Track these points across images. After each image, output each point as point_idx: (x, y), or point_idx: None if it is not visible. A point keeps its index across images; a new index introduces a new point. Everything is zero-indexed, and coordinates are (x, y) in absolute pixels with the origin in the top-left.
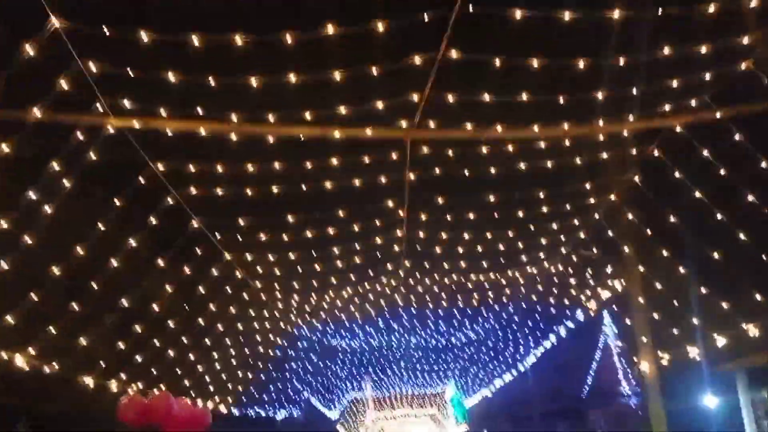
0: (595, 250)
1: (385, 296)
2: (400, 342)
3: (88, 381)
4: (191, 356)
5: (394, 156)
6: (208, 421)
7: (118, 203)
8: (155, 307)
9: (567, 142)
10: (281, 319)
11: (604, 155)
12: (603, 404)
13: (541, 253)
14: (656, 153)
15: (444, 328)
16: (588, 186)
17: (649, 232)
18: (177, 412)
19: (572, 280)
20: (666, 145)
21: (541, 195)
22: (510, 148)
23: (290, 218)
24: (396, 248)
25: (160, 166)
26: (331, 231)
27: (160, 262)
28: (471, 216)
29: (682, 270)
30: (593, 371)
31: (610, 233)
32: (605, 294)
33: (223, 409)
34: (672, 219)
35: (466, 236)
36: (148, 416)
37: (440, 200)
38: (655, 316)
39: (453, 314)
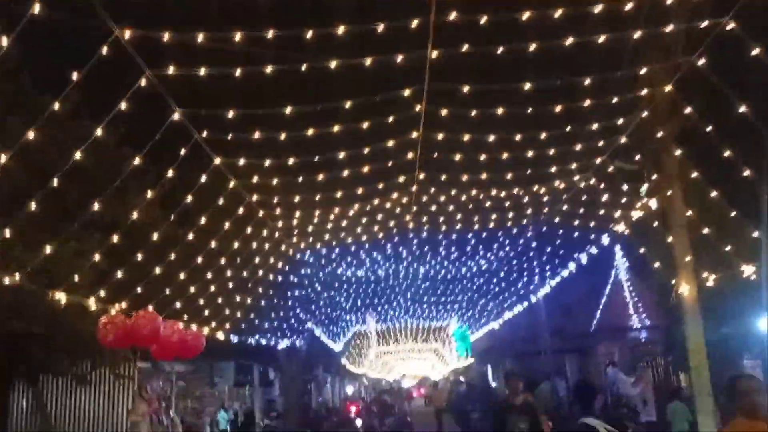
0: (637, 158)
1: (394, 216)
2: (408, 271)
3: (60, 297)
4: (181, 275)
5: (414, 23)
6: (201, 345)
7: (76, 77)
8: (135, 215)
9: (628, 5)
10: (281, 240)
11: (670, 27)
12: (612, 339)
13: (574, 163)
14: (731, 26)
15: (455, 256)
16: (643, 70)
17: (710, 128)
18: (166, 335)
19: (603, 197)
20: (745, 18)
21: (586, 82)
22: (556, 13)
23: (288, 110)
24: (409, 155)
25: (127, 34)
26: (335, 128)
27: (137, 161)
28: (499, 111)
29: (747, 173)
30: (602, 306)
31: (659, 134)
32: (636, 214)
33: (220, 336)
34: (742, 110)
35: (491, 139)
36: (132, 338)
37: (465, 89)
38: (706, 231)
39: (466, 239)
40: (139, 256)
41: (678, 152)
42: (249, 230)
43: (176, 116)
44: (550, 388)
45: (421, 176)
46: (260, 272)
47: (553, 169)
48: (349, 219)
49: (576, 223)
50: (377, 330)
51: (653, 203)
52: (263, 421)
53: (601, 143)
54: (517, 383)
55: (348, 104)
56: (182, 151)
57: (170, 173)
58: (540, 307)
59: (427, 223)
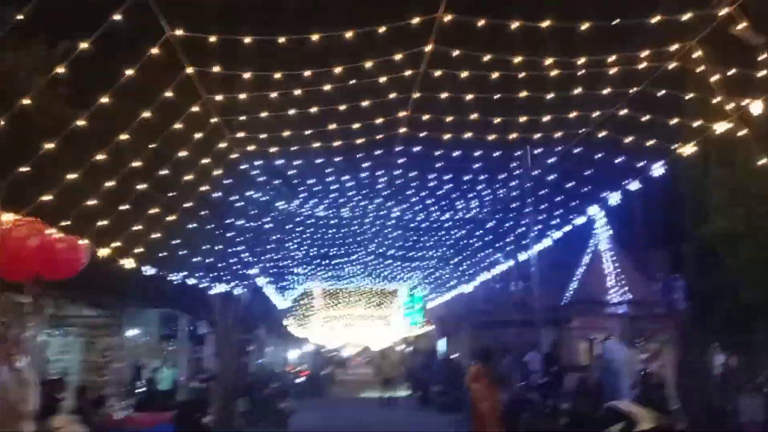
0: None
1: (379, 131)
2: (376, 215)
3: None
4: (69, 174)
5: None
6: (77, 260)
7: None
8: None
9: None
10: (229, 144)
11: None
12: (587, 312)
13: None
14: None
15: (437, 196)
16: None
17: None
18: (15, 238)
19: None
20: None
21: None
22: None
23: None
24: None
25: None
26: None
27: None
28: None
29: None
30: (579, 278)
31: None
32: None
33: (128, 263)
34: None
35: None
36: None
37: None
38: None
39: (459, 172)
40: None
41: None
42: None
43: None
44: (510, 362)
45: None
46: (196, 186)
47: (613, 58)
48: (319, 133)
49: (627, 140)
50: (324, 290)
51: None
52: (190, 384)
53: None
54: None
55: None
56: None
57: None
58: (506, 276)
59: (420, 141)
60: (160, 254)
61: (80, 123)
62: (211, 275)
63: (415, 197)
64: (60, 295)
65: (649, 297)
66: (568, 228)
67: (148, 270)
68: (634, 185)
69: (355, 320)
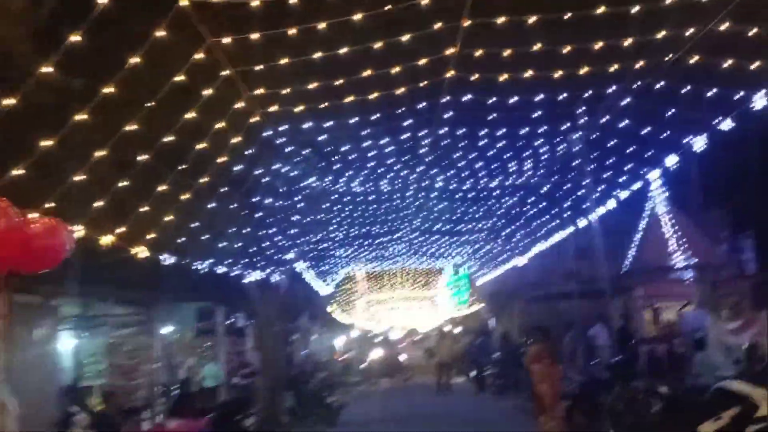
0: None
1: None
2: (419, 189)
3: None
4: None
5: None
6: (58, 247)
7: None
8: None
9: None
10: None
11: None
12: (650, 280)
13: None
14: None
15: (483, 164)
16: None
17: None
18: None
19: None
20: None
21: None
22: None
23: None
24: None
25: None
26: None
27: None
28: None
29: None
30: (637, 244)
31: None
32: None
33: (141, 252)
34: None
35: None
36: None
37: None
38: None
39: (522, 120)
40: None
41: None
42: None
43: None
44: (574, 338)
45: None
46: (211, 157)
47: None
48: (352, 58)
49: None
50: (368, 273)
51: None
52: (232, 380)
53: None
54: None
55: None
56: None
57: None
58: (561, 246)
59: (477, 72)
60: (179, 240)
61: (48, 70)
62: (242, 262)
63: (462, 161)
64: (81, 292)
65: (714, 260)
66: (635, 186)
67: (167, 259)
68: (725, 124)
69: (401, 302)
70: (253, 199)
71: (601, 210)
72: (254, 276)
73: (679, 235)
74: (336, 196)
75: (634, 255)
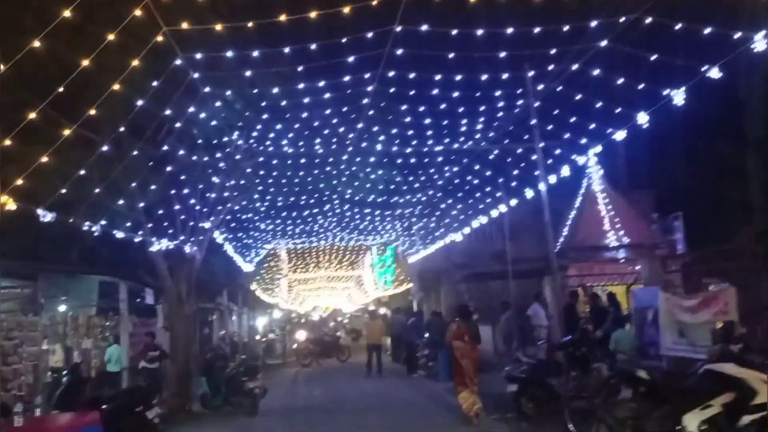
0: None
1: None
2: (352, 159)
3: None
4: None
5: None
6: None
7: None
8: None
9: None
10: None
11: None
12: (584, 258)
13: None
14: None
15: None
16: None
17: None
18: None
19: None
20: None
21: None
22: None
23: None
24: None
25: None
26: None
27: None
28: None
29: None
30: (569, 224)
31: None
32: None
33: (8, 204)
34: None
35: None
36: None
37: None
38: None
39: (440, 109)
40: None
41: None
42: None
43: None
44: (512, 318)
45: None
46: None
47: None
48: None
49: None
50: (293, 250)
51: None
52: (139, 364)
53: None
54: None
55: None
56: None
57: None
58: (485, 228)
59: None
60: (61, 191)
61: None
62: (148, 226)
63: (400, 125)
64: None
65: (647, 240)
66: (566, 170)
67: (46, 216)
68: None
69: (326, 282)
70: (163, 148)
71: (539, 187)
72: (162, 245)
73: (612, 215)
74: (262, 158)
75: (567, 235)
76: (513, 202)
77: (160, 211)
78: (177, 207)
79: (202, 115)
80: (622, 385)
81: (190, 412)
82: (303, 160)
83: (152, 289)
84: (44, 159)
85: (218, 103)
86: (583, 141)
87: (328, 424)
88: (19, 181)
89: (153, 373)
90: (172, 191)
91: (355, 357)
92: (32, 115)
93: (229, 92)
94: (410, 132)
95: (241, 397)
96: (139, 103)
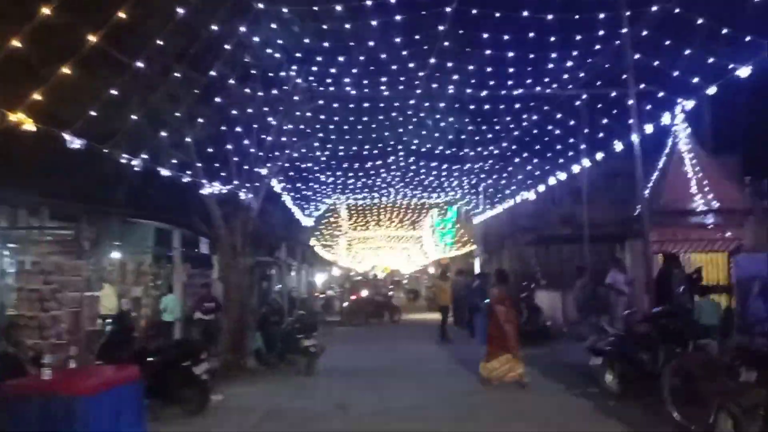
0: None
1: None
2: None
3: None
4: None
5: None
6: None
7: None
8: None
9: None
10: None
11: None
12: (668, 224)
13: None
14: None
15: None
16: None
17: None
18: None
19: None
20: None
21: None
22: None
23: None
24: None
25: None
26: None
27: None
28: None
29: None
30: (653, 184)
31: None
32: None
33: (26, 124)
34: None
35: None
36: None
37: None
38: None
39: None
40: None
41: None
42: None
43: None
44: (587, 285)
45: None
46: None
47: None
48: None
49: None
50: (353, 207)
51: None
52: (194, 315)
53: None
54: None
55: None
56: None
57: None
58: (553, 191)
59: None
60: (90, 113)
61: None
62: (197, 165)
63: (471, 69)
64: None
65: (736, 204)
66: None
67: (74, 142)
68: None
69: (387, 241)
70: (210, 73)
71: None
72: (215, 188)
73: (699, 177)
74: (322, 101)
75: (648, 198)
76: (598, 155)
77: (210, 150)
78: (230, 147)
79: (255, 39)
80: (743, 367)
81: (245, 368)
82: (366, 104)
83: (206, 238)
84: (66, 71)
85: (273, 25)
86: (694, 81)
87: (392, 388)
88: (38, 97)
89: (208, 324)
90: (223, 127)
91: (410, 316)
92: (45, 11)
93: (285, 9)
94: (488, 70)
95: (298, 355)
96: (180, 11)
